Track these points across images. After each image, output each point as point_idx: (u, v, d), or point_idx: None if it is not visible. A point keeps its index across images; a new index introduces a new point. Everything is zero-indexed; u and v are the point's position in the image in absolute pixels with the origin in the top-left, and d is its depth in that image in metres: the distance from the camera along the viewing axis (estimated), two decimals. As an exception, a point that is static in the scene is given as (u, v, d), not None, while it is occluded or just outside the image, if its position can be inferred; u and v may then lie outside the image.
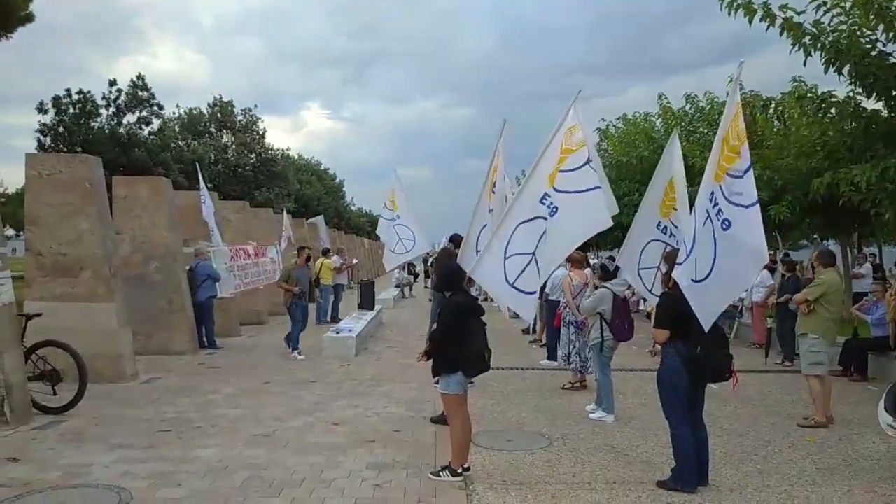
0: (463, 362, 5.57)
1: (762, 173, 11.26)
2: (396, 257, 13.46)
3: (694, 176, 9.66)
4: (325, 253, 18.90)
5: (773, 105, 8.76)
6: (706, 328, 5.03)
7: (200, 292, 12.87)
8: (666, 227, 7.26)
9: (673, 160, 7.34)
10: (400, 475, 5.76)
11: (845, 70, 8.67)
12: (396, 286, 28.17)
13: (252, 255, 16.66)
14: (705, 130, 16.89)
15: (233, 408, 8.21)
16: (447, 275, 5.86)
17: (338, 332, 12.70)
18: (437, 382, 9.41)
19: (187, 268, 12.96)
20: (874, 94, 8.79)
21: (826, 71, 8.88)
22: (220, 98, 35.42)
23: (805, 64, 8.91)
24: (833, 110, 8.72)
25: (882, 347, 10.07)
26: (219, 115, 35.01)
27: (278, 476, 5.68)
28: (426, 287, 33.90)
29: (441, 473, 5.63)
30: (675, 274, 5.08)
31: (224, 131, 35.57)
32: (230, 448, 6.50)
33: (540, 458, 6.18)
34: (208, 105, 35.38)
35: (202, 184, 14.51)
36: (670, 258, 5.47)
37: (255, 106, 38.01)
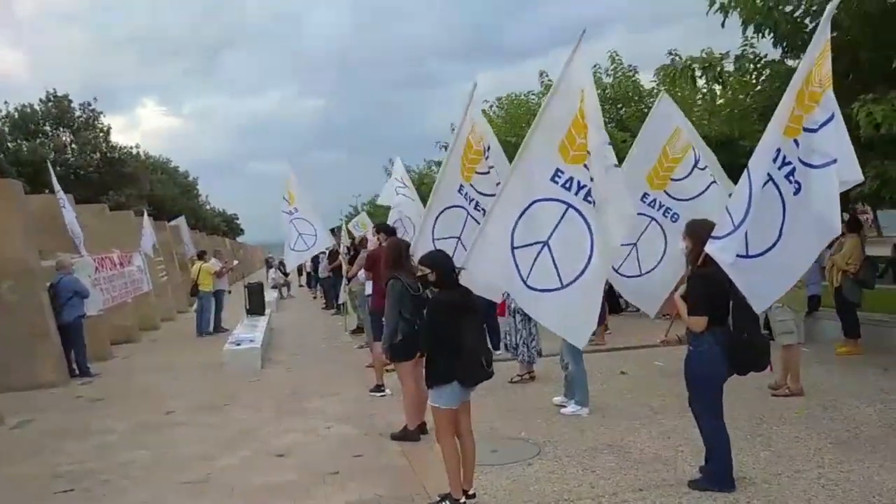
0: (458, 370, 4.62)
1: None
2: (297, 255, 12.35)
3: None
4: (201, 256, 17.08)
5: (717, 67, 8.46)
6: (758, 310, 4.41)
7: (66, 312, 10.98)
8: (655, 199, 6.69)
9: (663, 124, 6.77)
10: (393, 514, 4.76)
11: (766, 31, 8.50)
12: (273, 287, 26.37)
13: (118, 264, 14.71)
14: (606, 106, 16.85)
15: (139, 448, 6.78)
16: (446, 268, 4.82)
17: (238, 344, 11.26)
18: (375, 392, 8.48)
19: (48, 284, 11.02)
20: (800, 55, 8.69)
21: (744, 32, 8.72)
22: (55, 92, 31.47)
23: (723, 25, 8.70)
24: (768, 71, 8.54)
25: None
26: (54, 112, 31.10)
27: (243, 537, 4.51)
28: (301, 286, 32.29)
29: (442, 506, 4.68)
30: (711, 249, 4.39)
31: (62, 130, 31.70)
32: (162, 504, 5.20)
33: (542, 470, 5.37)
34: (41, 101, 31.24)
35: (57, 186, 12.41)
36: (697, 231, 4.74)
37: (95, 99, 34.02)
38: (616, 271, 6.83)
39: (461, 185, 6.34)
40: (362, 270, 9.86)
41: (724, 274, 4.36)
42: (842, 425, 6.03)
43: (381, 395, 8.28)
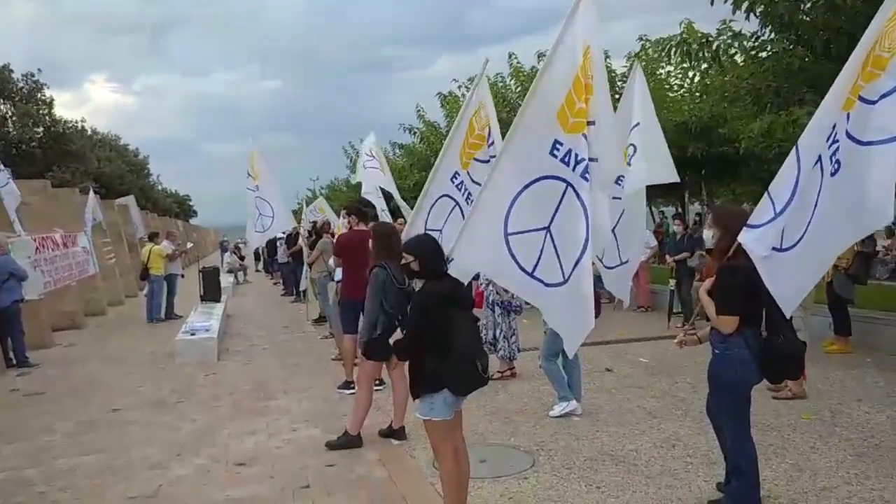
0: (448, 375, 3.98)
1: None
2: (258, 236, 11.68)
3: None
4: (153, 238, 16.09)
5: (714, 44, 7.96)
6: (787, 312, 3.85)
7: (2, 295, 10.06)
8: (620, 176, 6.09)
9: (634, 99, 6.24)
10: (377, 540, 4.15)
11: (758, 10, 8.06)
12: (228, 272, 25.26)
13: (61, 244, 13.67)
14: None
15: (83, 453, 6.03)
16: (430, 255, 4.19)
17: (193, 334, 10.44)
18: (344, 389, 7.84)
19: (-19, 266, 10.07)
20: (796, 37, 8.26)
21: (734, 11, 8.26)
22: (-6, 63, 29.47)
23: (712, 3, 8.24)
24: (764, 53, 8.08)
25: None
26: (-8, 82, 29.24)
27: (203, 572, 3.84)
28: (258, 270, 31.27)
29: (433, 530, 4.09)
30: (745, 239, 3.84)
31: (2, 101, 29.78)
32: (105, 526, 4.49)
33: (540, 486, 4.81)
34: (-22, 71, 29.31)
35: (-7, 158, 11.37)
36: (727, 219, 4.18)
37: (39, 70, 31.92)
38: (601, 261, 6.24)
39: (456, 173, 5.65)
40: (332, 257, 9.15)
41: None
42: (856, 434, 5.60)
43: (351, 393, 7.61)
